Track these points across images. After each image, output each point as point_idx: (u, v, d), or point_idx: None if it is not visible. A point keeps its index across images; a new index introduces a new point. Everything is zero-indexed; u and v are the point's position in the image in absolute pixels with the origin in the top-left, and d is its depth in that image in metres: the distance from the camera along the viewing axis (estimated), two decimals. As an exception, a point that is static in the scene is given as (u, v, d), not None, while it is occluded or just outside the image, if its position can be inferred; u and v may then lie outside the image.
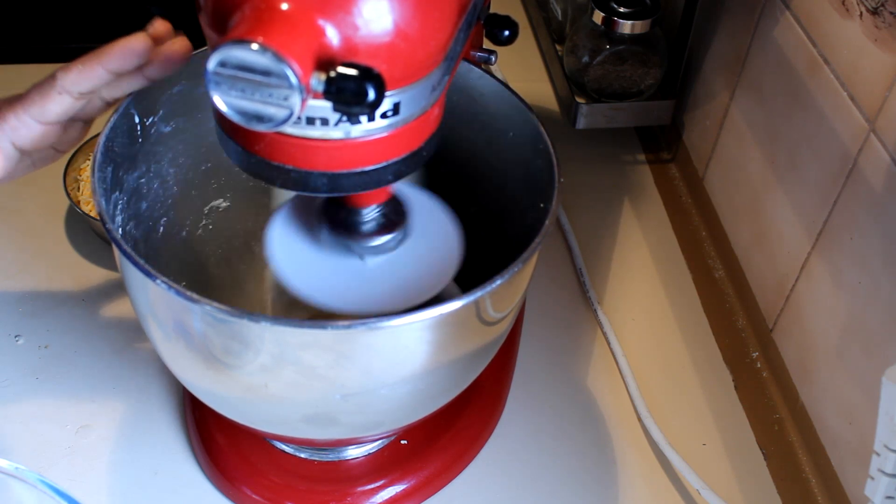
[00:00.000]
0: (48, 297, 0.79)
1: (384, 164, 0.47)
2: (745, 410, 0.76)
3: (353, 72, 0.40)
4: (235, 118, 0.41)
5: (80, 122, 0.62)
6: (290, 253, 0.56)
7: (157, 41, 0.58)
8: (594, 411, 0.75)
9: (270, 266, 0.55)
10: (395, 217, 0.55)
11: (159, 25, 0.59)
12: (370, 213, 0.54)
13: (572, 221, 0.89)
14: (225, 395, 0.58)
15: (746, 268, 0.79)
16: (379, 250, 0.55)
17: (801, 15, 0.68)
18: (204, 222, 0.71)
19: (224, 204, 0.72)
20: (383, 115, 0.45)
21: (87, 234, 0.84)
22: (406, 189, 0.58)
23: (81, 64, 0.57)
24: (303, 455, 0.68)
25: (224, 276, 0.73)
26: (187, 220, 0.70)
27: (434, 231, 0.58)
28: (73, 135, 0.62)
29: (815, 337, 0.68)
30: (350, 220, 0.54)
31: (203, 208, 0.71)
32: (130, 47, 0.56)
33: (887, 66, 0.58)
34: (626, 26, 0.83)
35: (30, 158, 0.62)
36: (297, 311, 0.74)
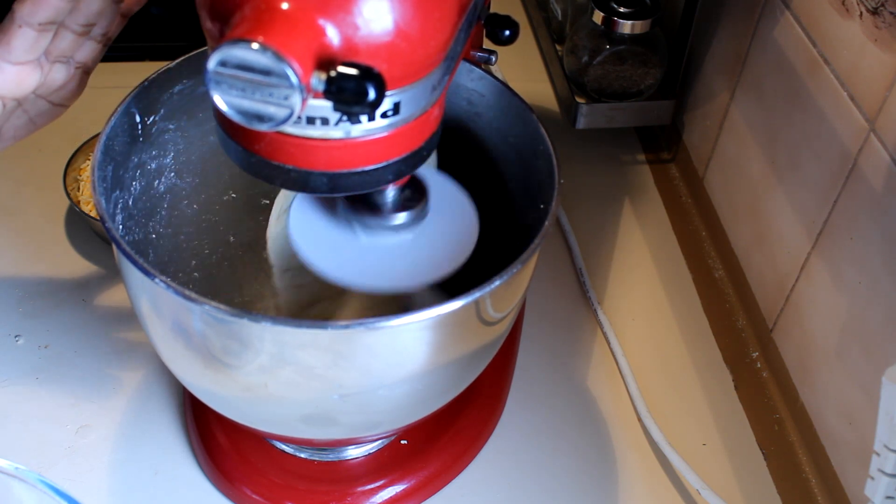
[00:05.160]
0: (48, 297, 0.79)
1: (384, 163, 0.47)
2: (745, 410, 0.76)
3: (353, 71, 0.40)
4: (236, 118, 0.41)
5: (63, 65, 0.59)
6: (310, 230, 0.56)
7: None
8: (594, 411, 0.75)
9: (291, 243, 0.55)
10: (413, 196, 0.55)
11: None
12: (390, 192, 0.54)
13: (572, 221, 0.89)
14: (224, 395, 0.58)
15: (746, 268, 0.79)
16: (396, 229, 0.55)
17: (801, 15, 0.68)
18: (205, 221, 0.71)
19: (225, 203, 0.72)
20: (383, 115, 0.45)
21: (87, 234, 0.84)
22: (424, 170, 0.57)
23: None
24: (303, 455, 0.68)
25: (224, 275, 0.73)
26: (188, 220, 0.70)
27: (451, 211, 0.58)
28: (60, 81, 0.59)
29: (815, 337, 0.68)
30: (369, 199, 0.54)
31: (204, 207, 0.71)
32: None
33: (887, 66, 0.58)
34: (626, 26, 0.83)
35: (26, 115, 0.60)
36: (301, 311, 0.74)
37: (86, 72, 0.61)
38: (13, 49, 0.56)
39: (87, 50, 0.60)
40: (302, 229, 0.56)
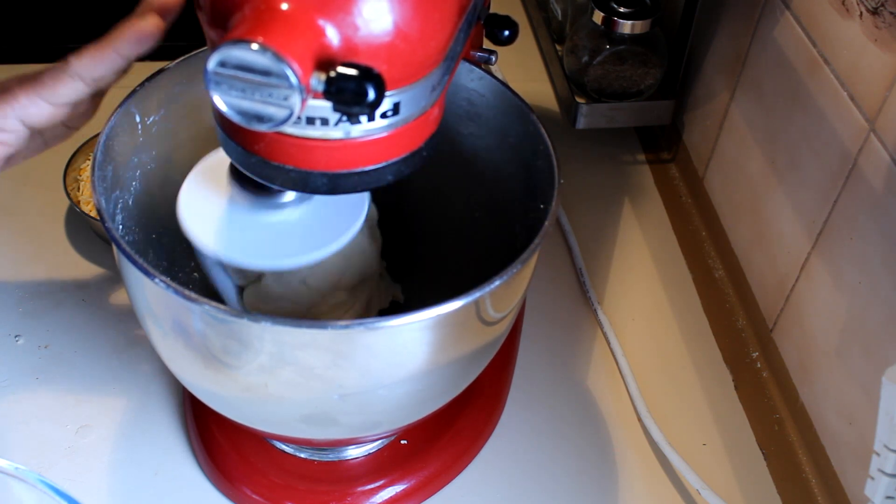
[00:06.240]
0: (48, 297, 0.79)
1: (384, 163, 0.48)
2: (745, 410, 0.76)
3: (353, 72, 0.40)
4: (235, 118, 0.41)
5: (90, 99, 0.61)
6: (200, 210, 0.54)
7: (165, 12, 0.58)
8: (594, 411, 0.75)
9: (179, 222, 0.53)
10: None
11: None
12: None
13: (572, 221, 0.89)
14: (224, 395, 0.58)
15: (746, 268, 0.79)
16: (286, 205, 0.53)
17: (801, 15, 0.68)
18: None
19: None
20: (383, 115, 0.45)
21: (87, 234, 0.84)
22: None
23: (95, 49, 0.57)
24: (303, 455, 0.68)
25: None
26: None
27: None
28: (84, 110, 0.62)
29: (815, 337, 0.68)
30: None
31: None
32: (143, 31, 0.56)
33: (887, 66, 0.58)
34: (626, 26, 0.83)
35: (41, 137, 0.62)
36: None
37: (101, 94, 0.62)
38: (59, 96, 0.58)
39: (110, 84, 0.60)
40: (191, 208, 0.54)
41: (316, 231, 0.54)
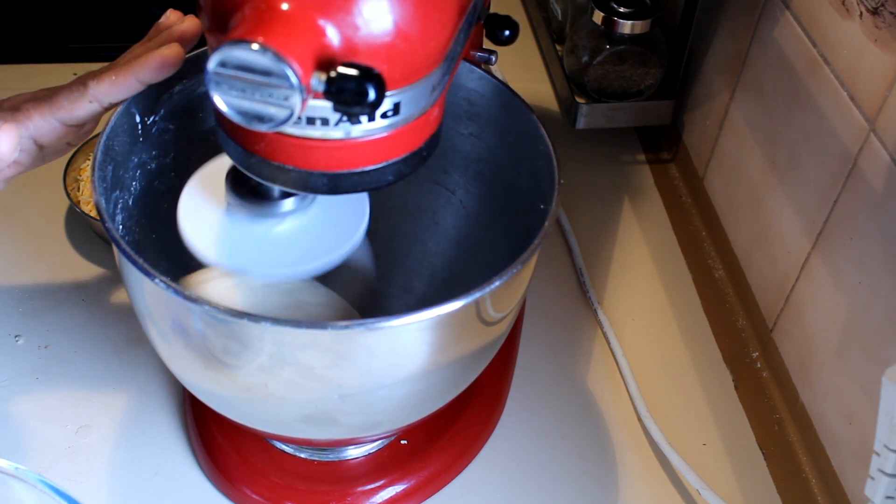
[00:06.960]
0: (48, 297, 0.79)
1: (384, 164, 0.48)
2: (745, 410, 0.76)
3: (353, 72, 0.40)
4: (236, 118, 0.41)
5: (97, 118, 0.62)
6: (199, 219, 0.54)
7: (185, 41, 0.59)
8: (594, 411, 0.75)
9: (180, 231, 0.53)
10: None
11: (186, 24, 0.60)
12: None
13: (572, 221, 0.89)
14: (224, 395, 0.58)
15: (746, 268, 0.79)
16: (283, 215, 0.53)
17: (801, 15, 0.68)
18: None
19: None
20: (383, 116, 0.45)
21: (87, 234, 0.84)
22: None
23: (115, 75, 0.57)
24: (303, 455, 0.68)
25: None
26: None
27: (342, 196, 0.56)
28: (88, 129, 0.63)
29: (815, 337, 0.68)
30: (256, 186, 0.52)
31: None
32: (167, 59, 0.56)
33: (887, 66, 0.58)
34: (626, 26, 0.83)
35: (41, 153, 0.63)
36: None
37: (105, 110, 0.62)
38: (75, 117, 0.59)
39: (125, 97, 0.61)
40: (192, 216, 0.54)
41: (318, 240, 0.54)
